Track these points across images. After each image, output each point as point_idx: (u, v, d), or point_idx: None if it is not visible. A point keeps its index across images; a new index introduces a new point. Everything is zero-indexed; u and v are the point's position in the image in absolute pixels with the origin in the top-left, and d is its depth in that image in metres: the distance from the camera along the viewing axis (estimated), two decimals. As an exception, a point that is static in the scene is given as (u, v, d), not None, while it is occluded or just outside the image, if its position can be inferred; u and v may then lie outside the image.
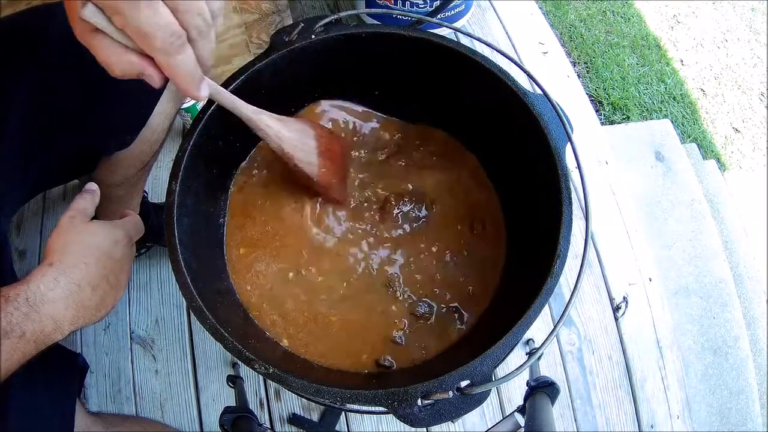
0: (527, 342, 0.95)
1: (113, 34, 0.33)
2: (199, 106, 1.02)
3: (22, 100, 0.56)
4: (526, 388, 0.60)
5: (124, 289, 0.51)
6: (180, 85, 0.37)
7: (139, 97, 0.64)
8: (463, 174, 0.65)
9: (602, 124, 1.42)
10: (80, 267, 0.46)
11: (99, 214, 0.54)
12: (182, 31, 0.34)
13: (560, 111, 0.52)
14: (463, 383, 0.42)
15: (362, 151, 0.67)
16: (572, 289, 0.44)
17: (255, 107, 0.52)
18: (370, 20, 1.13)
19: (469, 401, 0.42)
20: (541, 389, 0.58)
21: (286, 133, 0.55)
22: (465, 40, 1.00)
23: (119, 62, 0.35)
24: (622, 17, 1.69)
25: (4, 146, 0.56)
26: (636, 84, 1.56)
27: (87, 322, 0.47)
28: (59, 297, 0.44)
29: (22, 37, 0.56)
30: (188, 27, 0.34)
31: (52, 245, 0.47)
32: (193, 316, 0.77)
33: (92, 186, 0.55)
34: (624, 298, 1.00)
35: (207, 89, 0.40)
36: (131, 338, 0.96)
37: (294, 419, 0.90)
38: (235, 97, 0.50)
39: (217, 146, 0.57)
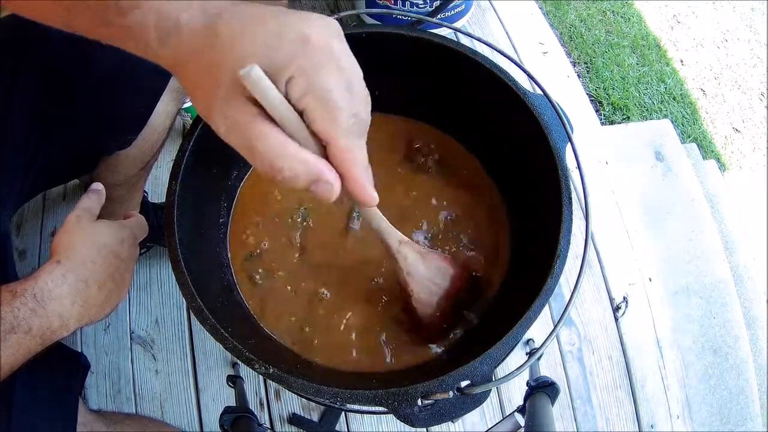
0: (527, 342, 0.95)
1: (284, 115, 0.25)
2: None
3: (23, 100, 0.56)
4: (526, 388, 0.60)
5: (128, 287, 0.52)
6: (356, 180, 0.29)
7: (140, 97, 0.64)
8: (464, 174, 0.65)
9: (602, 124, 1.42)
10: (87, 265, 0.46)
11: (99, 214, 0.54)
12: (362, 108, 0.28)
13: (560, 111, 0.52)
14: (463, 383, 0.42)
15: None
16: (572, 289, 0.45)
17: (402, 236, 0.48)
18: (370, 20, 1.13)
19: (469, 401, 0.42)
20: (541, 389, 0.58)
21: (419, 270, 0.50)
22: (465, 40, 1.00)
23: (287, 159, 0.26)
24: (622, 17, 1.69)
25: (5, 146, 0.56)
26: (636, 84, 1.56)
27: (93, 319, 0.47)
28: (66, 294, 0.44)
29: (23, 37, 0.56)
30: (358, 114, 0.28)
31: (59, 243, 0.47)
32: (193, 316, 0.77)
33: (98, 186, 0.55)
34: (624, 298, 1.00)
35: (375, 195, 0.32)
36: (131, 338, 0.96)
37: (294, 419, 0.90)
38: (386, 221, 0.44)
39: (217, 146, 0.56)
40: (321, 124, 0.27)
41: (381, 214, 0.44)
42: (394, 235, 0.47)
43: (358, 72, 0.28)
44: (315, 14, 0.26)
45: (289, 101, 0.26)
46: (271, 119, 0.26)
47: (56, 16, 0.29)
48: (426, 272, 0.51)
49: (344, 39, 0.28)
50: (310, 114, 0.26)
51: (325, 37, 0.25)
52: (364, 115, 0.28)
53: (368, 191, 0.31)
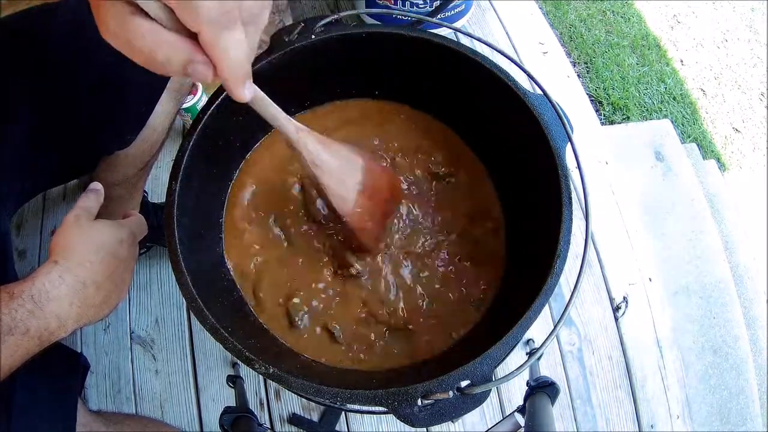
0: (527, 342, 0.95)
1: (152, 8, 0.27)
2: (199, 106, 1.02)
3: (23, 100, 0.56)
4: (526, 388, 0.60)
5: (128, 287, 0.52)
6: (224, 74, 0.30)
7: (139, 97, 0.64)
8: (463, 173, 0.65)
9: (602, 124, 1.42)
10: (85, 265, 0.46)
11: (99, 214, 0.54)
12: (236, 3, 0.28)
13: (560, 111, 0.52)
14: (463, 383, 0.42)
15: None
16: (572, 289, 0.45)
17: (299, 124, 0.45)
18: (370, 20, 1.13)
19: (469, 401, 0.42)
20: (541, 389, 0.58)
21: (326, 159, 0.47)
22: (465, 40, 1.00)
23: (161, 46, 0.28)
24: (622, 17, 1.69)
25: (5, 146, 0.56)
26: (636, 84, 1.56)
27: (91, 320, 0.47)
28: (64, 295, 0.44)
29: (23, 37, 0.56)
30: (240, 4, 0.28)
31: (57, 243, 0.47)
32: (193, 316, 0.77)
33: (96, 185, 0.55)
34: (624, 298, 1.00)
35: (251, 91, 0.33)
36: (131, 338, 0.96)
37: (294, 419, 0.90)
38: (277, 108, 0.42)
39: (217, 146, 0.57)
40: (186, 17, 0.27)
41: (271, 102, 0.41)
42: (290, 124, 0.44)
43: None
44: None
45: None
46: (147, 15, 0.28)
47: None
48: (332, 161, 0.48)
49: None
50: (176, 10, 0.27)
51: None
52: (248, 6, 0.29)
53: (235, 88, 0.31)
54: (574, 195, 0.50)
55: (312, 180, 0.49)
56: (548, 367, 0.96)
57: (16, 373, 0.44)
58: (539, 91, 0.53)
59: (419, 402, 0.41)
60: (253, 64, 0.54)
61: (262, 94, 0.40)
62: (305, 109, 0.67)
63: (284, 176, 0.64)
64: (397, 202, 0.57)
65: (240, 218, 0.62)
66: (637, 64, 1.60)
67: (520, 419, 0.58)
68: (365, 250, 0.55)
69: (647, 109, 1.53)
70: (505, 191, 0.63)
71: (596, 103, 1.53)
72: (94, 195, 0.54)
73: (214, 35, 0.28)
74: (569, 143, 0.51)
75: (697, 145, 1.44)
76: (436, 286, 0.59)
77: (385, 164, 0.54)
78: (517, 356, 0.95)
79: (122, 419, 0.87)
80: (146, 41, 0.28)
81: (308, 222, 0.61)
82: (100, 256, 0.48)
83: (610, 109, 1.52)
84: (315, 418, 0.90)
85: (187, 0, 0.26)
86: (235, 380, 0.72)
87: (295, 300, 0.58)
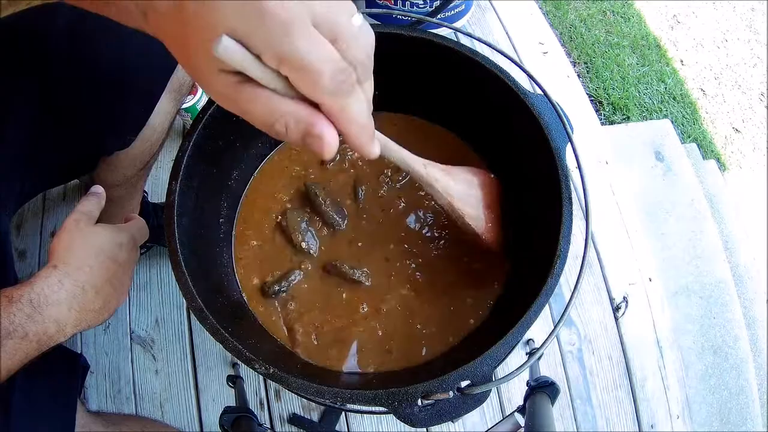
0: (527, 342, 0.95)
1: (264, 77, 0.25)
2: (199, 106, 1.02)
3: (23, 100, 0.56)
4: (526, 388, 0.60)
5: (127, 291, 0.51)
6: (353, 136, 0.29)
7: (139, 97, 0.64)
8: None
9: (602, 124, 1.41)
10: (84, 270, 0.46)
11: (99, 215, 0.54)
12: (350, 66, 0.26)
13: (560, 111, 0.52)
14: (464, 383, 0.42)
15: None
16: (572, 289, 0.45)
17: (424, 160, 0.47)
18: (370, 20, 1.13)
19: (469, 401, 0.42)
20: (541, 389, 0.58)
21: (454, 186, 0.50)
22: (465, 40, 1.00)
23: (279, 116, 0.26)
24: (622, 17, 1.69)
25: (5, 146, 0.56)
26: (636, 84, 1.56)
27: (90, 324, 0.47)
28: (62, 299, 0.44)
29: (23, 37, 0.56)
30: (353, 63, 0.26)
31: (56, 247, 0.47)
32: (193, 316, 0.77)
33: (98, 189, 0.55)
34: (624, 298, 1.00)
35: (378, 144, 0.31)
36: (131, 338, 0.96)
37: (294, 419, 0.90)
38: (404, 150, 0.44)
39: (217, 146, 0.57)
40: (304, 89, 0.26)
41: (396, 145, 0.43)
42: (417, 161, 0.46)
43: (341, 20, 0.26)
44: None
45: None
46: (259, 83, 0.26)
47: None
48: (459, 186, 0.51)
49: None
50: (292, 81, 0.26)
51: (286, 1, 0.24)
52: (360, 61, 0.27)
53: (366, 148, 0.30)
54: (574, 195, 0.50)
55: (447, 209, 0.51)
56: (548, 367, 0.96)
57: (16, 374, 0.44)
58: (539, 91, 0.53)
59: (419, 402, 0.41)
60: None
61: (385, 140, 0.41)
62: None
63: (285, 176, 0.64)
64: (500, 198, 0.58)
65: (241, 218, 0.62)
66: (637, 64, 1.60)
67: (520, 419, 0.57)
68: (490, 250, 0.57)
69: (647, 109, 1.53)
70: (505, 191, 0.63)
71: (596, 103, 1.53)
72: (95, 199, 0.53)
73: (337, 105, 0.27)
74: (569, 143, 0.51)
75: (697, 145, 1.44)
76: (437, 286, 0.59)
77: (486, 172, 0.57)
78: (517, 356, 0.95)
79: (121, 420, 0.87)
80: (262, 110, 0.27)
81: (312, 223, 0.61)
82: (100, 260, 0.47)
83: (610, 109, 1.52)
84: (315, 418, 0.90)
85: (305, 71, 0.25)
86: (235, 380, 0.72)
87: (296, 299, 0.58)
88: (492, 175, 0.57)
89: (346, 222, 0.62)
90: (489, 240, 0.55)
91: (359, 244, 0.61)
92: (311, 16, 0.25)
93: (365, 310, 0.58)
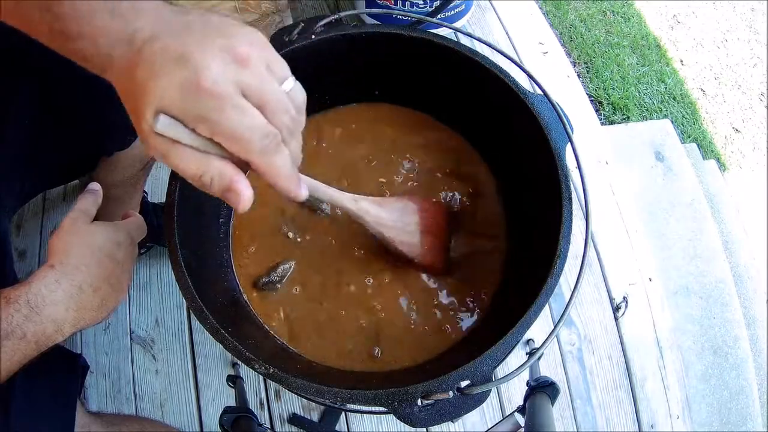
0: (527, 342, 0.95)
1: (195, 143, 0.30)
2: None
3: (23, 100, 0.56)
4: (526, 388, 0.60)
5: (126, 290, 0.51)
6: (280, 186, 0.33)
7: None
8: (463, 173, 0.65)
9: (602, 124, 1.41)
10: (81, 269, 0.46)
11: (98, 214, 0.54)
12: (276, 130, 0.31)
13: (560, 111, 0.52)
14: (463, 383, 0.42)
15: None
16: (572, 289, 0.45)
17: (353, 195, 0.51)
18: (370, 20, 1.13)
19: (469, 401, 0.42)
20: (541, 389, 0.58)
21: (385, 217, 0.53)
22: (465, 40, 1.00)
23: (206, 171, 0.30)
24: (622, 17, 1.69)
25: (5, 146, 0.56)
26: (636, 84, 1.56)
27: (88, 323, 0.47)
28: (60, 299, 0.44)
29: (23, 37, 0.56)
30: (279, 128, 0.31)
31: (53, 247, 0.47)
32: (193, 316, 0.77)
33: (95, 186, 0.54)
34: (624, 298, 1.00)
35: (305, 188, 0.36)
36: (131, 338, 0.96)
37: (294, 419, 0.90)
38: (332, 189, 0.48)
39: (217, 146, 0.57)
40: (236, 153, 0.30)
41: (324, 186, 0.46)
42: (347, 198, 0.50)
43: (267, 89, 0.30)
44: (217, 45, 0.28)
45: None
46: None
47: (28, 27, 0.34)
48: (391, 215, 0.54)
49: (257, 55, 0.29)
50: (225, 146, 0.30)
51: (218, 77, 0.28)
52: (285, 125, 0.31)
53: (291, 194, 0.34)
54: (574, 195, 0.50)
55: (379, 237, 0.54)
56: (548, 367, 0.96)
57: (15, 374, 0.44)
58: (539, 91, 0.53)
59: (419, 402, 0.41)
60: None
61: (312, 181, 0.44)
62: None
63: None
64: (451, 225, 0.61)
65: (241, 218, 0.62)
66: (637, 64, 1.60)
67: (520, 419, 0.58)
68: (437, 274, 0.59)
69: (647, 109, 1.53)
70: (505, 191, 0.63)
71: (596, 103, 1.53)
72: (92, 197, 0.53)
73: (264, 163, 0.31)
74: (569, 143, 0.51)
75: (697, 145, 1.44)
76: (437, 286, 0.59)
77: (433, 199, 0.61)
78: (517, 356, 0.95)
79: (121, 420, 0.87)
80: (192, 167, 0.30)
81: (314, 223, 0.61)
82: (97, 259, 0.47)
83: (610, 109, 1.52)
84: (315, 418, 0.90)
85: (236, 140, 0.29)
86: (235, 380, 0.72)
87: (298, 300, 0.58)
88: (434, 200, 0.61)
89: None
90: (425, 262, 0.57)
91: (361, 248, 0.60)
92: (241, 88, 0.29)
93: (365, 307, 0.58)
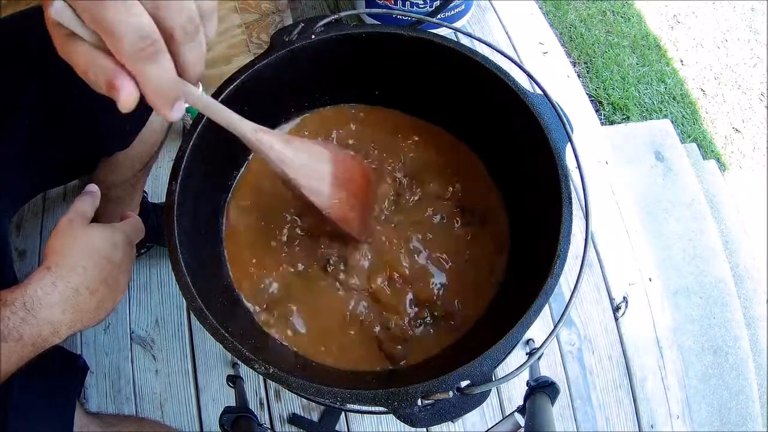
0: (527, 342, 0.95)
1: (84, 34, 0.29)
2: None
3: (24, 101, 0.56)
4: (526, 388, 0.60)
5: (123, 291, 0.51)
6: (148, 98, 0.31)
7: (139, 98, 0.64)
8: (463, 173, 0.65)
9: (602, 124, 1.42)
10: (78, 271, 0.46)
11: (98, 215, 0.54)
12: (156, 35, 0.29)
13: (560, 111, 0.52)
14: (463, 383, 0.42)
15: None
16: (572, 289, 0.44)
17: (255, 125, 0.44)
18: (370, 20, 1.13)
19: (469, 401, 0.42)
20: (541, 389, 0.58)
21: (290, 155, 0.47)
22: (465, 40, 1.00)
23: (91, 66, 0.30)
24: (622, 17, 1.69)
25: (6, 146, 0.56)
26: (636, 84, 1.56)
27: (86, 325, 0.47)
28: (56, 301, 0.44)
29: (23, 37, 0.56)
30: (172, 27, 0.29)
31: (50, 248, 0.47)
32: (193, 316, 0.77)
33: (92, 187, 0.54)
34: (624, 298, 1.00)
35: (180, 110, 0.33)
36: (131, 338, 0.96)
37: (294, 419, 0.90)
38: (229, 111, 0.42)
39: (218, 146, 0.57)
40: (111, 50, 0.29)
41: (215, 101, 0.41)
42: (244, 125, 0.43)
43: None
44: None
45: None
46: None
47: None
48: (297, 156, 0.48)
49: None
50: (105, 42, 0.29)
51: None
52: (180, 24, 0.29)
53: (160, 110, 0.32)
54: (574, 195, 0.50)
55: (283, 178, 0.48)
56: (548, 367, 0.96)
57: (14, 375, 0.44)
58: (539, 91, 0.53)
59: (419, 402, 0.41)
60: (253, 64, 0.55)
61: (207, 99, 0.40)
62: (305, 111, 0.67)
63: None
64: (374, 189, 0.57)
65: (240, 219, 0.62)
66: (637, 64, 1.60)
67: (520, 419, 0.58)
68: (353, 239, 0.56)
69: (647, 109, 1.53)
70: (505, 191, 0.63)
71: (596, 103, 1.53)
72: (90, 198, 0.53)
73: (134, 69, 0.29)
74: (569, 143, 0.51)
75: (697, 145, 1.44)
76: (437, 286, 0.59)
77: (351, 153, 0.56)
78: (517, 356, 0.95)
79: (120, 421, 0.87)
80: (82, 60, 0.30)
81: (307, 224, 0.61)
82: (94, 260, 0.47)
83: (610, 109, 1.52)
84: (315, 418, 0.90)
85: (109, 35, 0.28)
86: (235, 380, 0.72)
87: (298, 300, 0.58)
88: (352, 154, 0.55)
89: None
90: (336, 216, 0.52)
91: (367, 253, 0.60)
92: None
93: (362, 306, 0.58)
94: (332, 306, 0.58)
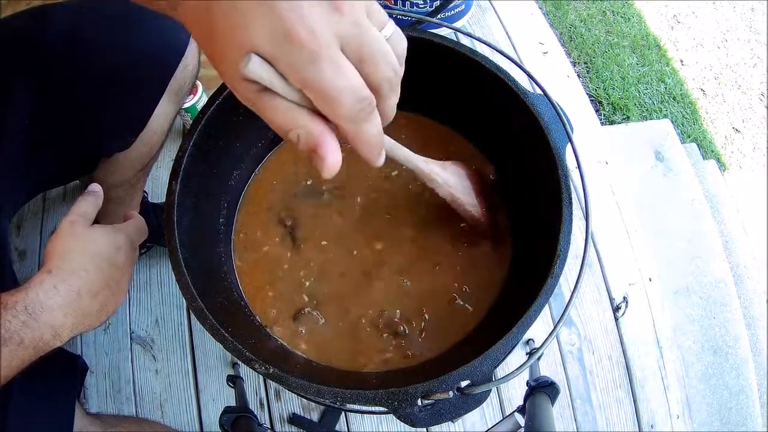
0: (527, 342, 0.95)
1: (286, 93, 0.27)
2: (199, 106, 1.02)
3: (24, 101, 0.56)
4: (526, 388, 0.60)
5: (125, 293, 0.50)
6: (363, 154, 0.31)
7: (139, 99, 0.64)
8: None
9: (602, 124, 1.42)
10: (80, 274, 0.45)
11: (98, 215, 0.53)
12: (370, 95, 0.27)
13: (560, 111, 0.52)
14: (464, 383, 0.42)
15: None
16: (572, 289, 0.44)
17: (425, 158, 0.51)
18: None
19: (469, 401, 0.42)
20: (541, 389, 0.58)
21: (451, 179, 0.54)
22: (465, 40, 1.00)
23: (295, 127, 0.28)
24: (622, 17, 1.69)
25: (5, 146, 0.56)
26: (636, 84, 1.56)
27: (87, 328, 0.47)
28: (58, 305, 0.44)
29: (23, 37, 0.56)
30: (379, 83, 0.28)
31: (51, 251, 0.46)
32: (193, 316, 0.77)
33: (95, 187, 0.54)
34: (624, 298, 1.00)
35: (384, 155, 0.33)
36: (131, 338, 0.96)
37: (294, 419, 0.90)
38: (408, 151, 0.47)
39: (217, 146, 0.57)
40: (324, 112, 0.27)
41: (398, 144, 0.45)
42: (419, 160, 0.50)
43: (367, 41, 0.27)
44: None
45: None
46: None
47: None
48: (454, 178, 0.55)
49: (358, 9, 0.26)
50: (314, 103, 0.27)
51: (314, 26, 0.25)
52: (387, 79, 0.28)
53: (372, 161, 0.32)
54: (574, 195, 0.50)
55: (449, 199, 0.55)
56: (548, 367, 0.96)
57: (14, 378, 0.43)
58: (539, 91, 0.53)
59: (419, 402, 0.41)
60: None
61: (393, 143, 0.44)
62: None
63: (286, 176, 0.64)
64: (485, 182, 0.62)
65: (240, 218, 0.62)
66: (637, 64, 1.60)
67: (520, 419, 0.58)
68: (485, 238, 0.61)
69: (647, 109, 1.53)
70: (505, 191, 0.63)
71: (596, 103, 1.53)
72: (92, 198, 0.52)
73: (352, 130, 0.28)
74: (569, 143, 0.51)
75: (697, 145, 1.44)
76: (437, 286, 0.59)
77: (469, 164, 0.62)
78: (517, 356, 0.95)
79: (120, 421, 0.87)
80: (281, 118, 0.28)
81: (315, 224, 0.61)
82: (96, 263, 0.47)
83: (610, 109, 1.52)
84: (315, 418, 0.90)
85: (326, 99, 0.26)
86: (235, 380, 0.72)
87: (297, 300, 0.58)
88: (473, 167, 0.61)
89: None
90: (487, 222, 0.59)
91: (355, 251, 0.60)
92: (339, 40, 0.25)
93: (365, 307, 0.58)
94: (335, 307, 0.58)
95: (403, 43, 0.29)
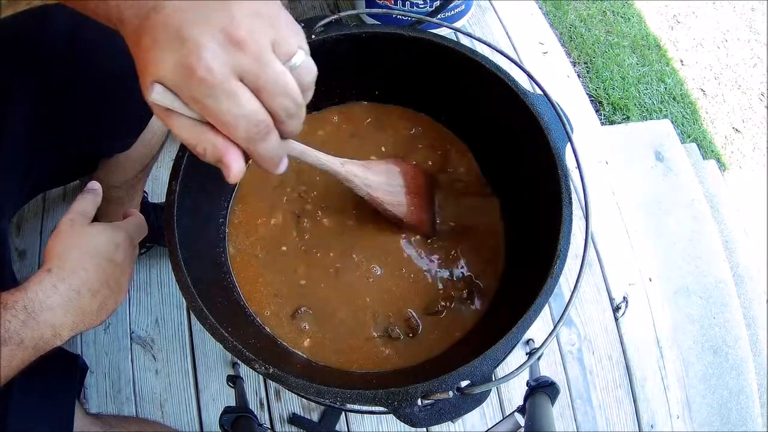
0: (527, 342, 0.95)
1: (188, 113, 0.30)
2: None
3: (24, 101, 0.56)
4: (526, 388, 0.60)
5: (125, 291, 0.50)
6: (262, 167, 0.34)
7: (139, 100, 0.64)
8: (463, 173, 0.65)
9: (602, 124, 1.41)
10: (79, 273, 0.45)
11: (98, 215, 0.53)
12: (268, 119, 0.31)
13: (560, 111, 0.52)
14: (464, 383, 0.42)
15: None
16: (572, 289, 0.45)
17: (341, 158, 0.52)
18: (370, 20, 1.13)
19: (469, 401, 0.42)
20: (541, 389, 0.58)
21: (373, 179, 0.55)
22: (465, 41, 1.00)
23: (199, 142, 0.31)
24: (622, 17, 1.69)
25: (5, 147, 0.56)
26: (636, 84, 1.56)
27: (87, 326, 0.46)
28: (57, 304, 0.43)
29: (23, 38, 0.56)
30: (276, 111, 0.31)
31: (51, 250, 0.46)
32: (193, 316, 0.77)
33: (94, 185, 0.53)
34: (624, 298, 1.00)
35: (285, 165, 0.36)
36: (131, 338, 0.96)
37: (294, 419, 0.90)
38: (319, 153, 0.48)
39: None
40: (221, 130, 0.30)
41: (309, 149, 0.46)
42: (334, 162, 0.51)
43: (266, 73, 0.29)
44: (217, 23, 0.28)
45: None
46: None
47: None
48: (377, 178, 0.56)
49: (258, 34, 0.29)
50: (213, 123, 0.30)
51: (211, 64, 0.28)
52: (284, 107, 0.31)
53: (272, 171, 0.35)
54: (574, 195, 0.50)
55: (367, 198, 0.55)
56: (548, 367, 0.96)
57: (14, 378, 0.43)
58: (539, 91, 0.54)
59: (419, 402, 0.41)
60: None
61: (302, 148, 0.44)
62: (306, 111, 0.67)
63: (285, 176, 0.64)
64: (433, 185, 0.63)
65: (240, 218, 0.62)
66: (637, 64, 1.60)
67: (520, 419, 0.58)
68: (426, 236, 0.61)
69: (647, 109, 1.53)
70: (504, 191, 0.63)
71: (596, 103, 1.53)
72: (92, 196, 0.52)
73: (249, 148, 0.31)
74: (569, 143, 0.51)
75: (697, 145, 1.44)
76: (437, 285, 0.59)
77: (414, 162, 0.64)
78: (517, 356, 0.95)
79: (120, 421, 0.87)
80: (187, 135, 0.31)
81: (315, 224, 0.61)
82: (95, 262, 0.46)
83: (610, 109, 1.52)
84: (315, 418, 0.90)
85: (222, 125, 0.30)
86: (235, 380, 0.72)
87: (297, 300, 0.58)
88: (414, 163, 0.63)
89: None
90: (413, 221, 0.59)
91: (353, 253, 0.60)
92: (238, 72, 0.29)
93: (365, 308, 0.58)
94: (334, 306, 0.58)
95: (311, 73, 0.32)
